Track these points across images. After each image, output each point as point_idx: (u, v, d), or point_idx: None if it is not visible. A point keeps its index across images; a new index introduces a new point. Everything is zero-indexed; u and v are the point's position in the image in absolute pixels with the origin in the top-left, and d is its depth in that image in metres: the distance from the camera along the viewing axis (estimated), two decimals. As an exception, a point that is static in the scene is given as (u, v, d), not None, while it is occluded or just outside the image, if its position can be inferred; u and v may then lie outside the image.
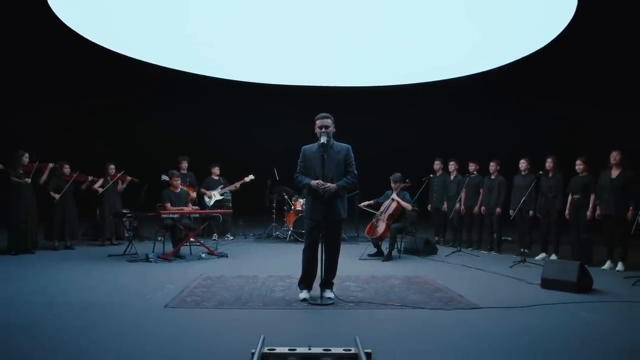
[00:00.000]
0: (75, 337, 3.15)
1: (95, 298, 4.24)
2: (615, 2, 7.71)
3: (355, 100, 12.43)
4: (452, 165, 8.41)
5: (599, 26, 8.53)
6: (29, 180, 6.75)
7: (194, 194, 8.29)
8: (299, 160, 4.36)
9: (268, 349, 2.75)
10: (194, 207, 7.39)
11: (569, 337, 3.29)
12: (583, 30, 8.45)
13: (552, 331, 3.41)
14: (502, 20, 8.37)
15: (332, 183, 4.11)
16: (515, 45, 9.33)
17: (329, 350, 2.76)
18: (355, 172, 4.28)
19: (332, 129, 4.26)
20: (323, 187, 4.06)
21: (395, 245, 6.92)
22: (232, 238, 9.02)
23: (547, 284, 4.82)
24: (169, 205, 6.81)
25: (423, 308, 3.98)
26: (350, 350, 2.76)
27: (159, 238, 7.26)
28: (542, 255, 6.91)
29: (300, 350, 2.75)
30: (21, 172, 6.79)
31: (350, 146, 4.36)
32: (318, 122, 4.26)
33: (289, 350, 2.75)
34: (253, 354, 2.66)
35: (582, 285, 4.65)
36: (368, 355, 2.70)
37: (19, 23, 8.88)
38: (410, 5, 8.20)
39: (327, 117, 4.26)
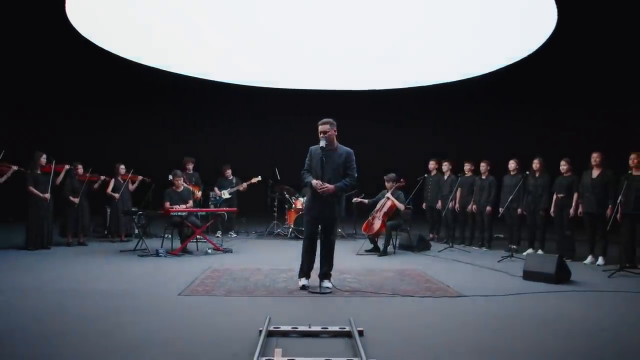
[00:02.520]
0: (101, 319, 3.55)
1: (114, 287, 4.66)
2: (593, 14, 8.28)
3: (354, 104, 12.86)
4: (445, 166, 8.80)
5: (579, 36, 9.09)
6: (48, 196, 7.14)
7: (199, 193, 8.70)
8: (307, 158, 4.77)
9: (273, 327, 3.17)
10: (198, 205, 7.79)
11: (541, 320, 3.67)
12: (565, 40, 8.99)
13: (527, 315, 3.81)
14: (492, 30, 8.81)
15: (330, 184, 4.50)
16: (505, 52, 9.78)
17: (326, 328, 3.19)
18: (355, 174, 4.65)
19: (331, 134, 4.62)
20: (322, 187, 4.47)
21: (391, 242, 7.32)
22: (235, 235, 9.42)
23: (528, 275, 5.22)
24: (167, 203, 7.20)
25: (412, 296, 4.38)
26: (344, 328, 3.18)
27: (167, 235, 7.64)
28: (530, 250, 7.29)
29: (301, 328, 3.17)
30: (39, 172, 7.20)
31: (352, 150, 4.73)
32: (319, 128, 4.66)
33: (291, 328, 3.18)
34: (260, 331, 3.08)
35: (560, 276, 5.06)
36: (360, 332, 3.12)
37: (38, 35, 9.38)
38: (407, 12, 8.58)
39: (326, 123, 4.63)
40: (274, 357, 2.68)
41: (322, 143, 4.57)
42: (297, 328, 3.17)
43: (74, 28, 8.56)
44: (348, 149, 4.72)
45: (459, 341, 3.16)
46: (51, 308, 3.85)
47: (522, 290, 4.68)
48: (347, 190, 4.77)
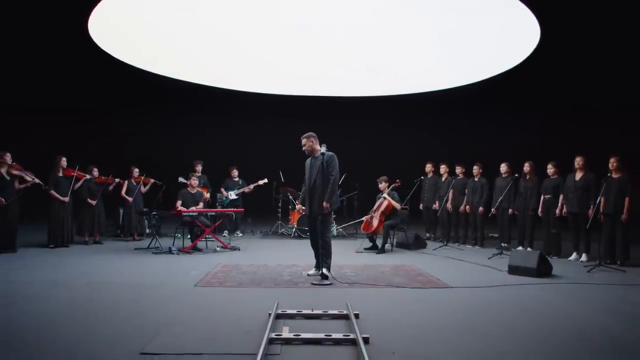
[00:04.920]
0: (128, 306, 4.03)
1: (135, 280, 5.15)
2: (573, 28, 8.95)
3: (356, 109, 13.40)
4: (442, 168, 9.25)
5: (562, 47, 9.76)
6: (67, 199, 7.64)
7: (207, 195, 9.18)
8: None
9: (281, 311, 3.65)
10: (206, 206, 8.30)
11: (520, 308, 4.13)
12: (549, 51, 9.65)
13: (507, 303, 4.27)
14: (485, 42, 9.42)
15: (316, 185, 5.23)
16: (496, 62, 10.42)
17: (327, 311, 3.67)
18: (333, 173, 5.26)
19: (309, 145, 5.41)
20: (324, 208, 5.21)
21: (389, 240, 7.78)
22: (241, 235, 9.89)
23: (513, 270, 5.68)
24: (179, 203, 7.70)
25: (405, 287, 4.86)
26: (342, 311, 3.66)
27: (178, 235, 8.12)
28: (520, 248, 7.75)
29: (305, 311, 3.66)
30: (60, 175, 7.70)
31: (332, 153, 5.33)
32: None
33: (296, 311, 3.66)
34: (270, 314, 3.56)
35: (542, 270, 5.51)
36: (356, 315, 3.60)
37: (60, 49, 10.09)
38: (408, 26, 9.13)
39: (303, 137, 5.46)
40: (282, 332, 3.16)
41: (323, 149, 5.24)
42: (301, 311, 3.65)
43: (94, 42, 9.17)
44: (330, 153, 5.34)
45: (442, 323, 3.63)
46: (81, 297, 4.33)
47: (506, 283, 5.14)
48: (333, 186, 5.27)
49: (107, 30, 8.90)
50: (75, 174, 7.81)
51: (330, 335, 3.08)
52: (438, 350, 3.03)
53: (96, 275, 5.40)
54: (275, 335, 3.08)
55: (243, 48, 9.96)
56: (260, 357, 2.63)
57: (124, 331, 3.32)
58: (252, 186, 9.80)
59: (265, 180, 9.86)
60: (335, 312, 3.65)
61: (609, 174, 6.49)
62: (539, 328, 3.55)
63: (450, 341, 3.21)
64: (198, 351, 2.91)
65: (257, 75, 11.63)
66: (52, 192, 7.55)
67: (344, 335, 3.08)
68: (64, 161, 7.76)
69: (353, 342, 3.01)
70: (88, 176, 8.11)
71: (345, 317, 3.59)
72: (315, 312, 3.65)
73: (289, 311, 3.65)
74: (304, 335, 3.08)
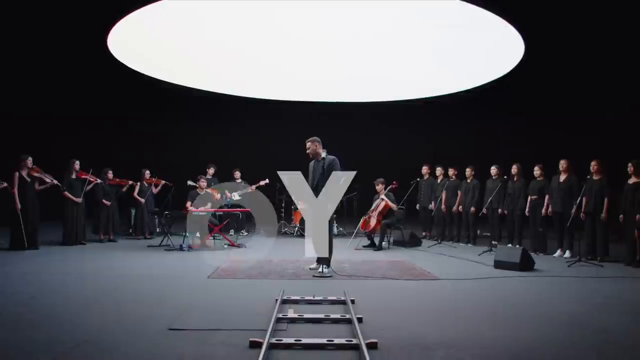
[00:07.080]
0: (151, 294, 4.54)
1: (152, 273, 5.67)
2: (556, 40, 9.62)
3: (358, 114, 13.95)
4: (438, 170, 9.75)
5: (545, 60, 10.47)
6: (80, 200, 8.17)
7: (218, 196, 9.69)
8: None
9: (287, 297, 4.16)
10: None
11: (499, 297, 4.63)
12: (533, 63, 10.33)
13: (488, 293, 4.77)
14: (473, 54, 10.05)
15: (318, 187, 5.57)
16: (488, 71, 11.07)
17: (327, 298, 4.17)
18: None
19: (313, 149, 5.79)
20: None
21: (385, 238, 8.28)
22: (246, 233, 10.39)
23: (498, 265, 6.18)
24: (188, 204, 8.21)
25: (397, 279, 5.36)
26: (340, 298, 4.17)
27: (187, 234, 8.59)
28: (509, 246, 8.23)
29: (307, 297, 4.17)
30: (73, 177, 8.22)
31: (333, 157, 5.78)
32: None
33: (300, 297, 4.16)
34: (277, 300, 4.06)
35: (524, 265, 5.99)
36: (352, 301, 4.10)
37: (80, 62, 10.80)
38: (411, 38, 9.70)
39: (307, 141, 5.85)
40: (288, 314, 3.66)
41: (324, 154, 5.67)
42: (304, 298, 4.16)
43: (112, 54, 9.76)
44: (331, 157, 5.80)
45: (428, 307, 4.13)
46: (109, 287, 4.85)
47: (490, 276, 5.64)
48: None
49: (125, 44, 9.49)
50: (88, 178, 8.33)
51: (329, 316, 3.58)
52: (422, 328, 3.52)
53: (115, 269, 5.92)
54: (282, 315, 3.59)
55: (252, 57, 10.54)
56: (270, 331, 3.13)
57: (151, 313, 3.82)
58: (253, 187, 10.24)
59: (267, 181, 10.29)
60: (334, 298, 4.16)
61: (589, 176, 6.98)
62: (514, 312, 4.04)
63: (433, 322, 3.70)
64: (217, 327, 3.42)
65: (261, 82, 12.19)
66: (66, 193, 8.06)
67: (341, 316, 3.59)
68: (77, 164, 8.28)
69: (349, 321, 3.51)
70: (99, 180, 8.63)
71: (343, 302, 4.09)
72: (316, 298, 4.16)
73: (293, 297, 4.16)
74: (306, 315, 3.59)
